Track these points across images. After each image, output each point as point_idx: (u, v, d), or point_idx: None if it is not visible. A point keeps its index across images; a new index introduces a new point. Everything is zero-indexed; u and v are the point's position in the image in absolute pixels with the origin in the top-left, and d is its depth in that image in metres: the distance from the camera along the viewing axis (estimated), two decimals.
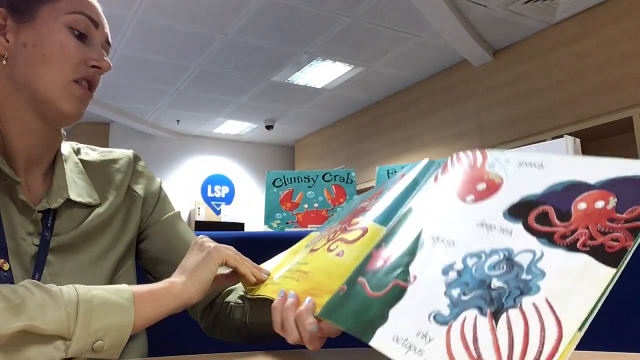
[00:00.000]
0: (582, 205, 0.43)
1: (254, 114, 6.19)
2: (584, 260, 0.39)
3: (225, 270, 0.68)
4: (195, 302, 0.62)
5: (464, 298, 0.42)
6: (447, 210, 0.53)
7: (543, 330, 0.36)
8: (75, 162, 0.76)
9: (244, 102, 5.76)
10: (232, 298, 0.76)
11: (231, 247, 0.68)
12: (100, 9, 0.73)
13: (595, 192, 0.43)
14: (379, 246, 0.54)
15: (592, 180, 0.45)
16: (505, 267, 0.42)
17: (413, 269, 0.48)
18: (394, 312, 0.44)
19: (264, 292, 0.64)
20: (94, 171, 0.77)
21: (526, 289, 0.39)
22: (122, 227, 0.76)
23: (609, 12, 3.48)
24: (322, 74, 4.95)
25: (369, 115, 5.95)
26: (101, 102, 5.65)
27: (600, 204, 0.42)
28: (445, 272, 0.45)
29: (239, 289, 0.77)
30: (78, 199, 0.71)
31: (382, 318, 0.44)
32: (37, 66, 0.65)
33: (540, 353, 0.35)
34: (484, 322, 0.39)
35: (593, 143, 3.54)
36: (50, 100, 0.66)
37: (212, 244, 0.66)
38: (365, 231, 0.60)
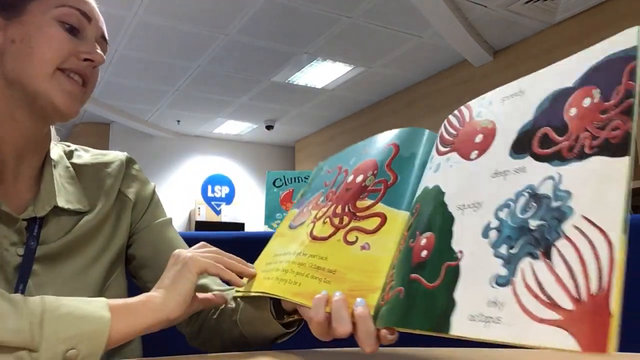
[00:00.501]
0: (573, 111, 0.42)
1: (254, 114, 6.20)
2: (597, 161, 0.38)
3: (209, 294, 0.66)
4: (177, 316, 0.58)
5: (513, 251, 0.41)
6: (460, 176, 0.51)
7: (593, 246, 0.36)
8: (65, 166, 0.74)
9: (244, 102, 5.76)
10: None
11: (215, 249, 0.65)
12: (94, 4, 0.70)
13: (577, 92, 0.42)
14: (413, 236, 0.52)
15: (569, 82, 0.43)
16: (534, 204, 0.41)
17: (456, 245, 0.46)
18: (458, 294, 0.43)
19: (267, 288, 0.61)
20: (85, 175, 0.74)
21: (561, 216, 0.39)
22: (112, 233, 0.74)
23: (609, 12, 3.48)
24: (322, 74, 4.95)
25: (369, 115, 5.95)
26: (101, 102, 5.65)
27: (587, 102, 0.41)
28: (485, 234, 0.44)
29: (229, 293, 0.74)
30: (66, 206, 0.68)
31: (450, 304, 0.43)
32: (24, 60, 0.63)
33: (600, 269, 0.35)
34: (540, 265, 0.38)
35: None
36: (40, 92, 0.63)
37: (189, 253, 0.62)
38: (383, 218, 0.57)
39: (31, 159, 0.69)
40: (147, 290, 0.61)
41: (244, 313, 0.69)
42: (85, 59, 0.66)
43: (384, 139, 0.65)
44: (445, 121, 0.58)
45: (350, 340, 0.52)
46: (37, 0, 0.65)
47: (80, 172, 0.74)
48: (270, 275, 0.63)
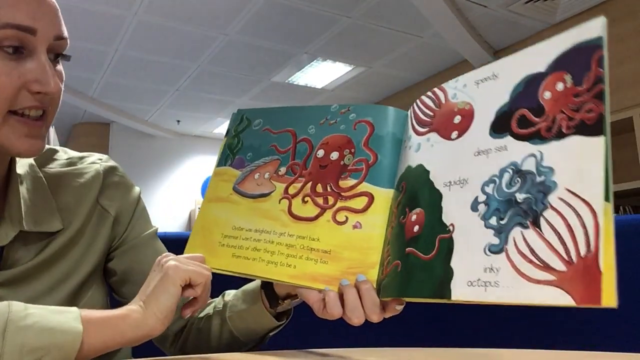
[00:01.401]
0: (547, 94, 0.46)
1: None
2: (576, 140, 0.42)
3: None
4: (160, 332, 0.54)
5: (503, 222, 0.45)
6: (442, 155, 0.55)
7: (578, 215, 0.40)
8: (35, 177, 0.66)
9: (244, 102, 5.76)
10: (209, 310, 0.72)
11: (198, 255, 0.60)
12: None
13: (549, 76, 0.46)
14: (404, 213, 0.55)
15: (541, 67, 0.47)
16: (519, 179, 0.45)
17: (446, 219, 0.50)
18: (454, 263, 0.47)
19: (256, 271, 0.60)
20: (59, 185, 0.67)
21: (546, 189, 0.43)
22: (86, 250, 0.68)
23: (609, 12, 3.47)
24: (322, 74, 4.95)
25: None
26: (101, 102, 5.65)
27: (560, 86, 0.45)
28: (474, 208, 0.48)
29: (214, 302, 0.73)
30: (35, 228, 0.61)
31: (448, 273, 0.47)
32: None
33: (587, 235, 0.39)
34: (530, 233, 0.42)
35: None
36: None
37: (173, 261, 0.56)
38: (370, 197, 0.59)
39: None
40: None
41: (233, 309, 0.68)
42: (38, 92, 0.56)
43: (351, 114, 0.65)
44: (418, 102, 0.61)
45: (350, 340, 0.52)
46: None
47: (53, 182, 0.67)
48: (246, 254, 0.62)
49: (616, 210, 3.29)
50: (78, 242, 0.67)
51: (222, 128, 6.79)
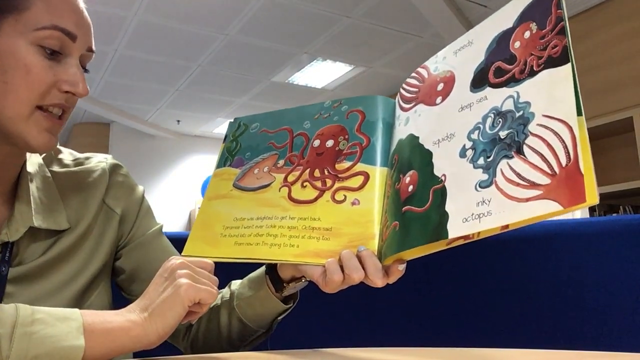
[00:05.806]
0: (517, 44, 0.50)
1: (254, 114, 6.19)
2: (546, 73, 0.46)
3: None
4: (156, 345, 0.54)
5: (490, 159, 0.47)
6: (429, 119, 0.57)
7: (556, 134, 0.42)
8: (44, 176, 0.67)
9: (244, 102, 5.76)
10: (217, 301, 0.73)
11: (208, 262, 0.59)
12: (82, 10, 0.62)
13: (517, 29, 0.51)
14: (398, 180, 0.57)
15: (509, 24, 0.52)
16: (500, 120, 0.48)
17: (438, 172, 0.52)
18: (448, 207, 0.49)
19: (260, 254, 0.60)
20: (66, 185, 0.69)
21: (525, 121, 0.46)
22: (94, 249, 0.69)
23: (609, 12, 3.48)
24: (322, 74, 4.95)
25: None
26: (101, 102, 5.65)
27: (527, 34, 0.50)
28: (462, 154, 0.50)
29: (221, 293, 0.73)
30: (43, 225, 0.63)
31: (444, 217, 0.48)
32: None
33: (566, 147, 0.41)
34: (516, 161, 0.45)
35: (593, 143, 3.49)
36: (15, 133, 0.58)
37: (185, 278, 0.54)
38: (366, 175, 0.61)
39: (3, 175, 0.63)
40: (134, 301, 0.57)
41: (240, 297, 0.69)
42: (67, 91, 0.60)
43: (342, 106, 0.69)
44: (404, 84, 0.66)
45: (355, 340, 0.52)
46: (12, 17, 0.56)
47: (60, 182, 0.69)
48: (248, 241, 0.63)
49: (616, 210, 3.29)
50: (85, 241, 0.68)
51: (222, 128, 6.79)
